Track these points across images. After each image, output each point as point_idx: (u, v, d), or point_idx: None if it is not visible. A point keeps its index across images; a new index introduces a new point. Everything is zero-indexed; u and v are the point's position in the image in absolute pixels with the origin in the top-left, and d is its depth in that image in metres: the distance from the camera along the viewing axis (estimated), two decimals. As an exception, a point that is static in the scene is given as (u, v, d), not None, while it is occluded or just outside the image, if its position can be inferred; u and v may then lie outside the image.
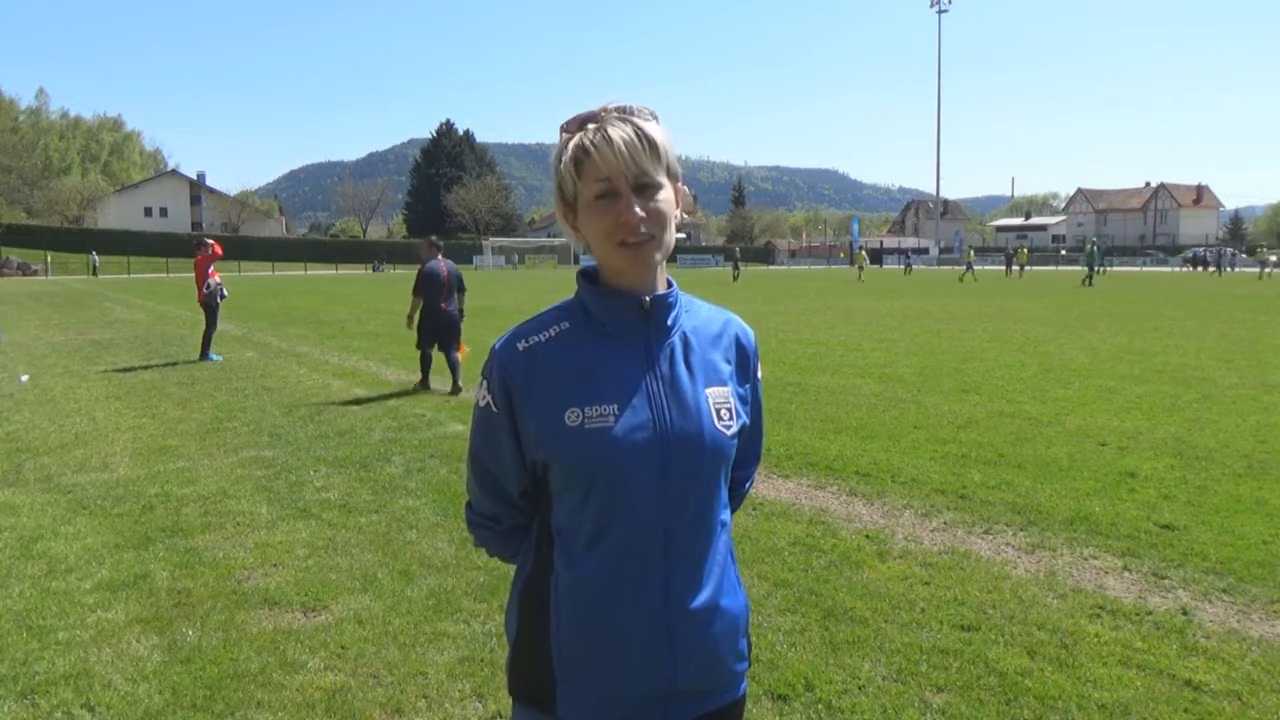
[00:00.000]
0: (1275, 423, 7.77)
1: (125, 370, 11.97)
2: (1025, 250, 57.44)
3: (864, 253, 53.55)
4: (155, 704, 3.18)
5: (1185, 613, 3.87)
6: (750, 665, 1.52)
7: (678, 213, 1.40)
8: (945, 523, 5.18)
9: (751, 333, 1.54)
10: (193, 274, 13.41)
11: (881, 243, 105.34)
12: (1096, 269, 40.43)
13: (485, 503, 1.50)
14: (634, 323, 1.39)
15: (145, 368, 12.20)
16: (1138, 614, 3.86)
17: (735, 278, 44.87)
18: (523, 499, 1.46)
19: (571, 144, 1.33)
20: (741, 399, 1.47)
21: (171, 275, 54.32)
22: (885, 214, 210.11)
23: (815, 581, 4.24)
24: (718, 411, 1.40)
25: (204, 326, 13.06)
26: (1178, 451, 6.74)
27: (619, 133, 1.30)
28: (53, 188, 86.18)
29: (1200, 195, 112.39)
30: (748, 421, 1.49)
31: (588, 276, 1.42)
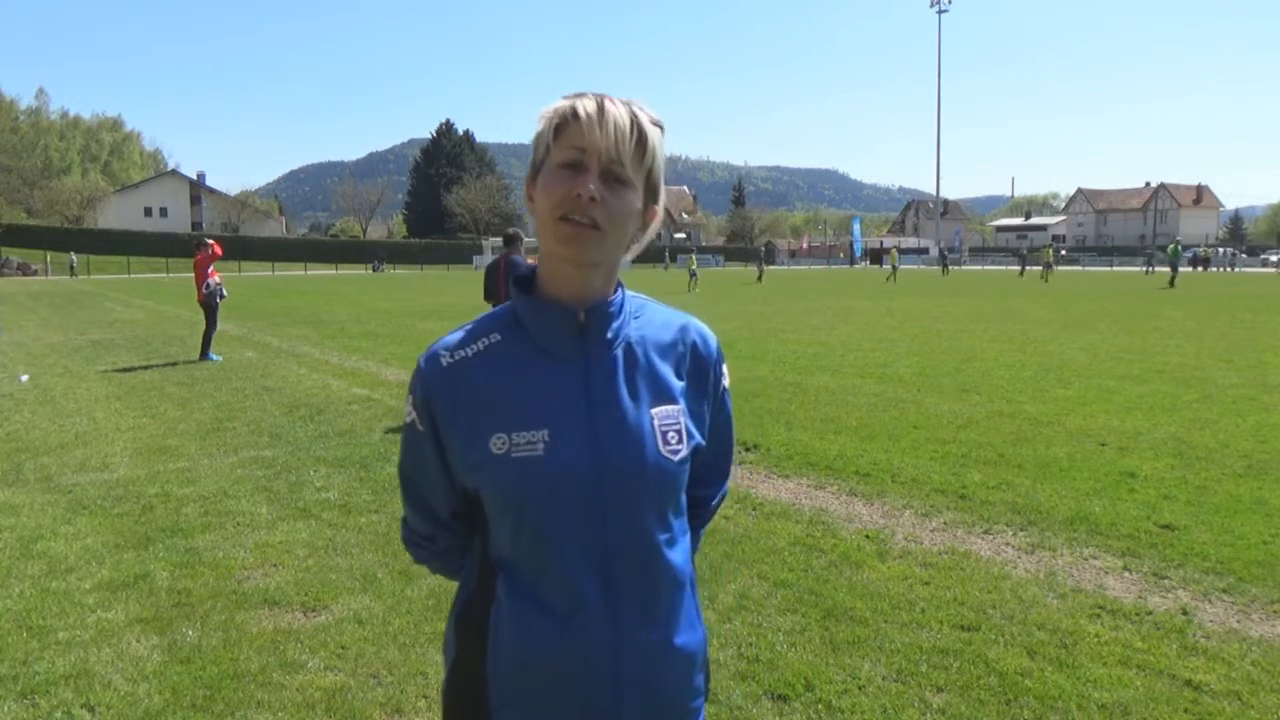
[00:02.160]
0: (1275, 423, 7.77)
1: (125, 370, 11.97)
2: (1050, 250, 52.66)
3: (896, 252, 50.79)
4: (155, 704, 3.18)
5: (1185, 613, 3.87)
6: (708, 699, 1.40)
7: (641, 235, 1.29)
8: (945, 523, 5.18)
9: (714, 339, 1.38)
10: (192, 274, 13.41)
11: (881, 243, 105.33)
12: (1180, 269, 36.52)
13: (419, 523, 1.38)
14: (570, 336, 1.25)
15: (145, 368, 12.20)
16: (1138, 614, 3.86)
17: (760, 277, 44.36)
18: (455, 520, 1.34)
19: (562, 107, 1.22)
20: (695, 416, 1.32)
21: (171, 275, 54.31)
22: (885, 214, 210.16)
23: (815, 581, 4.24)
24: (664, 434, 1.25)
25: (204, 326, 13.06)
26: (1178, 451, 6.74)
27: (615, 112, 1.20)
28: (53, 188, 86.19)
29: (1200, 195, 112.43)
30: (702, 441, 1.33)
31: (523, 283, 1.29)
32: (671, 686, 1.28)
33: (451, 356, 1.26)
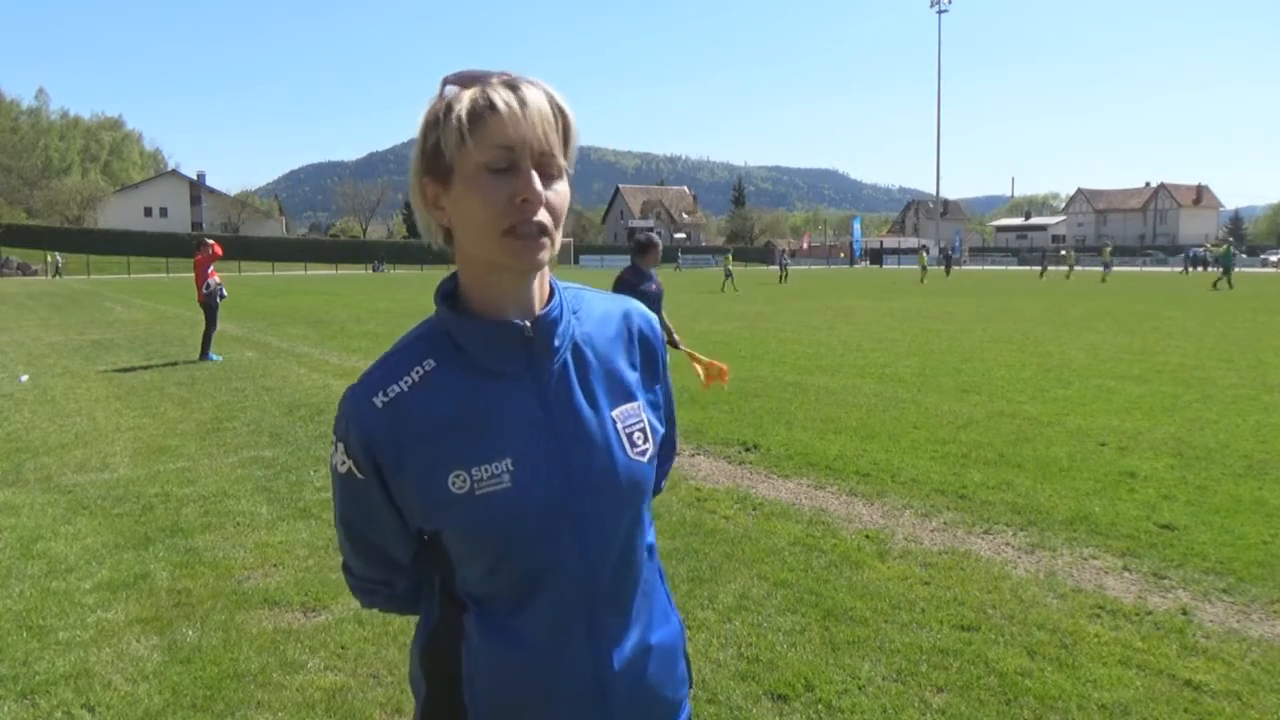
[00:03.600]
0: (1275, 423, 7.77)
1: (125, 370, 11.97)
2: (1073, 252, 51.56)
3: (925, 253, 48.32)
4: (155, 704, 3.18)
5: (1185, 613, 3.87)
6: (692, 686, 1.37)
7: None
8: (945, 523, 5.18)
9: (653, 319, 1.29)
10: (192, 274, 13.41)
11: (881, 243, 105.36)
12: (1230, 270, 34.58)
13: (371, 570, 1.26)
14: (515, 352, 1.13)
15: (145, 368, 12.20)
16: (1138, 614, 3.86)
17: (783, 278, 43.03)
18: (415, 561, 1.24)
19: (469, 96, 1.05)
20: (653, 406, 1.25)
21: (171, 275, 54.31)
22: (885, 214, 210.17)
23: (815, 581, 4.24)
24: (629, 437, 1.18)
25: (204, 326, 13.06)
26: (1178, 451, 6.74)
27: (536, 96, 1.06)
28: (53, 188, 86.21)
29: (1200, 195, 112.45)
30: (663, 430, 1.27)
31: (450, 300, 1.15)
32: (655, 683, 1.24)
33: (385, 395, 1.11)
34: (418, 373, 1.13)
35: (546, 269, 1.14)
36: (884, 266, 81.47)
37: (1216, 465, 6.32)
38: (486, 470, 1.10)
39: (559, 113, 1.08)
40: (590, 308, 1.22)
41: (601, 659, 1.17)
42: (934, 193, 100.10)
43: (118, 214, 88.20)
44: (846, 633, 3.68)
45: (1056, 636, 3.64)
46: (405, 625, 3.80)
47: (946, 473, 6.23)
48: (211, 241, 13.46)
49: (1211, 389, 9.56)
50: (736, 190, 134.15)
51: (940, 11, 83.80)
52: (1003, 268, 71.73)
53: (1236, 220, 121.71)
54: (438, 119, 1.06)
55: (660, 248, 6.93)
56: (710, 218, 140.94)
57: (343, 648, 3.60)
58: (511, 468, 1.11)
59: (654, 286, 6.66)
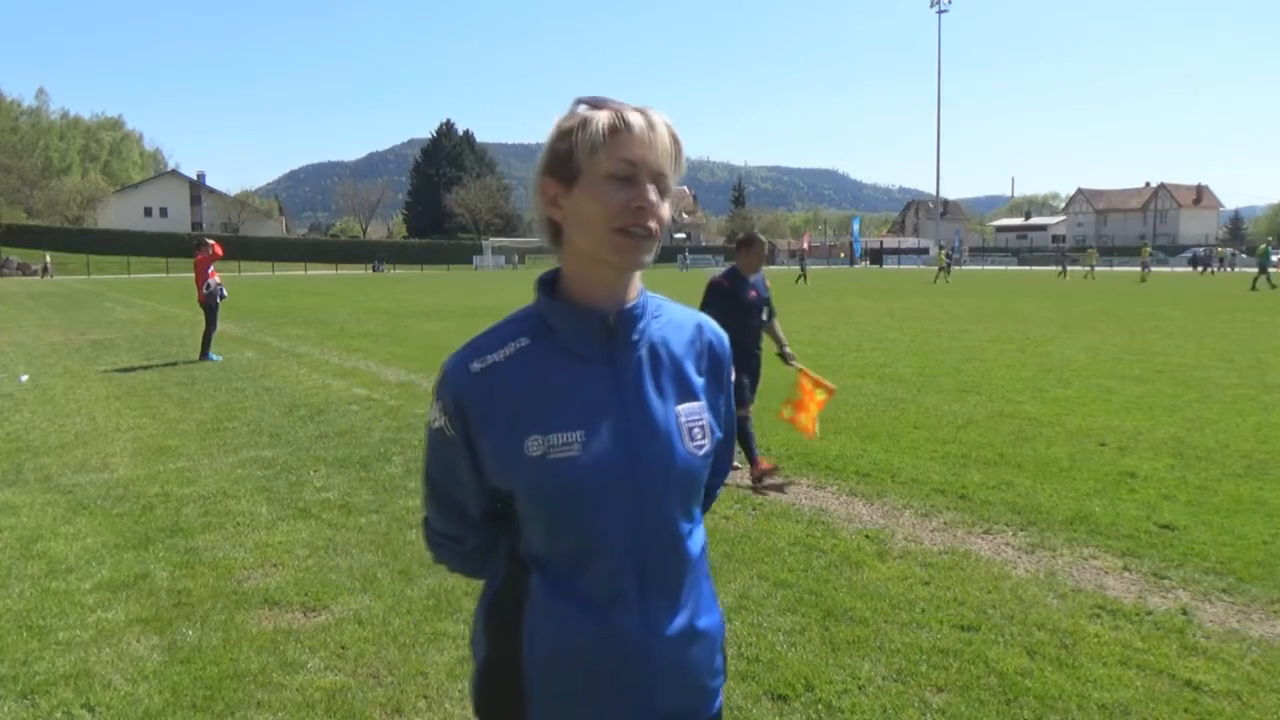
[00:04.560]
0: (1275, 423, 7.77)
1: (125, 370, 11.97)
2: (1094, 251, 50.46)
3: (944, 253, 46.75)
4: (155, 704, 3.18)
5: (1185, 613, 3.87)
6: (726, 679, 1.47)
7: None
8: (945, 523, 5.18)
9: (725, 337, 1.44)
10: (192, 274, 13.41)
11: (881, 243, 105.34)
12: (1270, 269, 33.59)
13: (446, 524, 1.41)
14: (599, 340, 1.28)
15: (145, 368, 12.20)
16: (1138, 614, 3.86)
17: (802, 279, 41.98)
18: (486, 520, 1.38)
19: (606, 115, 1.23)
20: (714, 411, 1.39)
21: (171, 275, 54.31)
22: (885, 214, 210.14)
23: (815, 581, 4.24)
24: (690, 431, 1.32)
25: (204, 326, 13.06)
26: (1178, 451, 6.74)
27: (661, 123, 1.24)
28: (53, 188, 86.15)
29: (1200, 195, 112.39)
30: (721, 435, 1.41)
31: (547, 286, 1.32)
32: (697, 667, 1.36)
33: (481, 363, 1.28)
34: (511, 347, 1.28)
35: (638, 276, 1.31)
36: (884, 266, 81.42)
37: (1216, 465, 6.32)
38: (560, 438, 1.24)
39: (675, 141, 1.26)
40: (670, 315, 1.37)
41: (650, 631, 1.29)
42: (934, 193, 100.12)
43: (118, 214, 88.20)
44: (846, 633, 3.68)
45: (1056, 636, 3.64)
46: (405, 625, 3.80)
47: (946, 473, 6.23)
48: (212, 241, 13.46)
49: (1211, 389, 9.56)
50: (736, 190, 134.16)
51: (940, 11, 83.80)
52: (1003, 268, 71.63)
53: (1236, 220, 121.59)
54: (572, 130, 1.23)
55: (764, 247, 6.04)
56: (710, 218, 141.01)
57: (343, 648, 3.60)
58: (582, 439, 1.25)
59: (752, 294, 5.88)
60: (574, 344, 1.28)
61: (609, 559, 1.27)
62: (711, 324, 1.43)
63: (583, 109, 1.25)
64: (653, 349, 1.33)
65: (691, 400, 1.34)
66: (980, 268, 74.63)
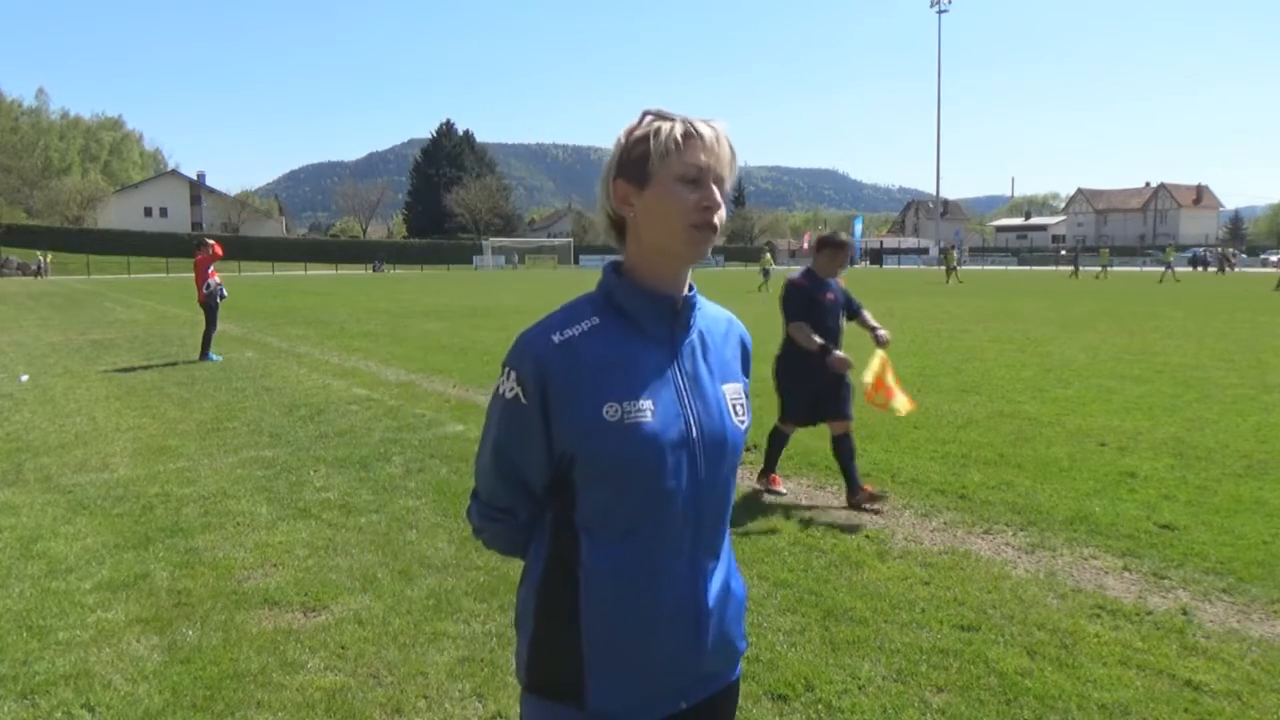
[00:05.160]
0: (1275, 423, 7.77)
1: (125, 370, 11.97)
2: (1108, 250, 50.01)
3: (954, 251, 45.24)
4: (155, 704, 3.18)
5: (1185, 613, 3.87)
6: (748, 645, 1.61)
7: None
8: (945, 523, 5.18)
9: (748, 333, 1.61)
10: (193, 274, 13.40)
11: (881, 243, 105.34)
12: None
13: (503, 496, 1.49)
14: (665, 321, 1.43)
15: (145, 368, 12.20)
16: (1138, 614, 3.86)
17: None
18: (543, 492, 1.46)
19: (678, 124, 1.38)
20: (747, 395, 1.54)
21: (171, 275, 54.30)
22: (885, 214, 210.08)
23: (815, 581, 4.24)
24: (734, 407, 1.47)
25: (204, 326, 13.06)
26: (1178, 451, 6.74)
27: (724, 134, 1.40)
28: (53, 188, 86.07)
29: (1200, 195, 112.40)
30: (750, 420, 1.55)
31: (619, 271, 1.46)
32: (730, 628, 1.49)
33: (561, 335, 1.39)
34: (586, 324, 1.41)
35: (690, 270, 1.46)
36: (884, 267, 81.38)
37: (1216, 465, 6.32)
38: (634, 405, 1.37)
39: (732, 150, 1.42)
40: (706, 309, 1.53)
41: (699, 590, 1.43)
42: (934, 193, 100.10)
43: (118, 214, 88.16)
44: (846, 633, 3.68)
45: (1056, 636, 3.64)
46: (405, 625, 3.80)
47: (946, 473, 6.23)
48: (212, 241, 13.45)
49: (1211, 389, 9.56)
50: (737, 190, 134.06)
51: (940, 11, 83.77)
52: (1003, 268, 71.61)
53: (1236, 220, 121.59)
54: (647, 136, 1.38)
55: (850, 250, 5.79)
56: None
57: (343, 648, 3.61)
58: (653, 408, 1.38)
59: (830, 296, 5.61)
60: (643, 323, 1.42)
61: (670, 518, 1.39)
62: (738, 321, 1.60)
63: (648, 119, 1.40)
64: (701, 335, 1.49)
65: (734, 382, 1.51)
66: (980, 268, 74.60)
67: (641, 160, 1.38)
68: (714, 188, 1.38)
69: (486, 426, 1.48)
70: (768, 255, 39.24)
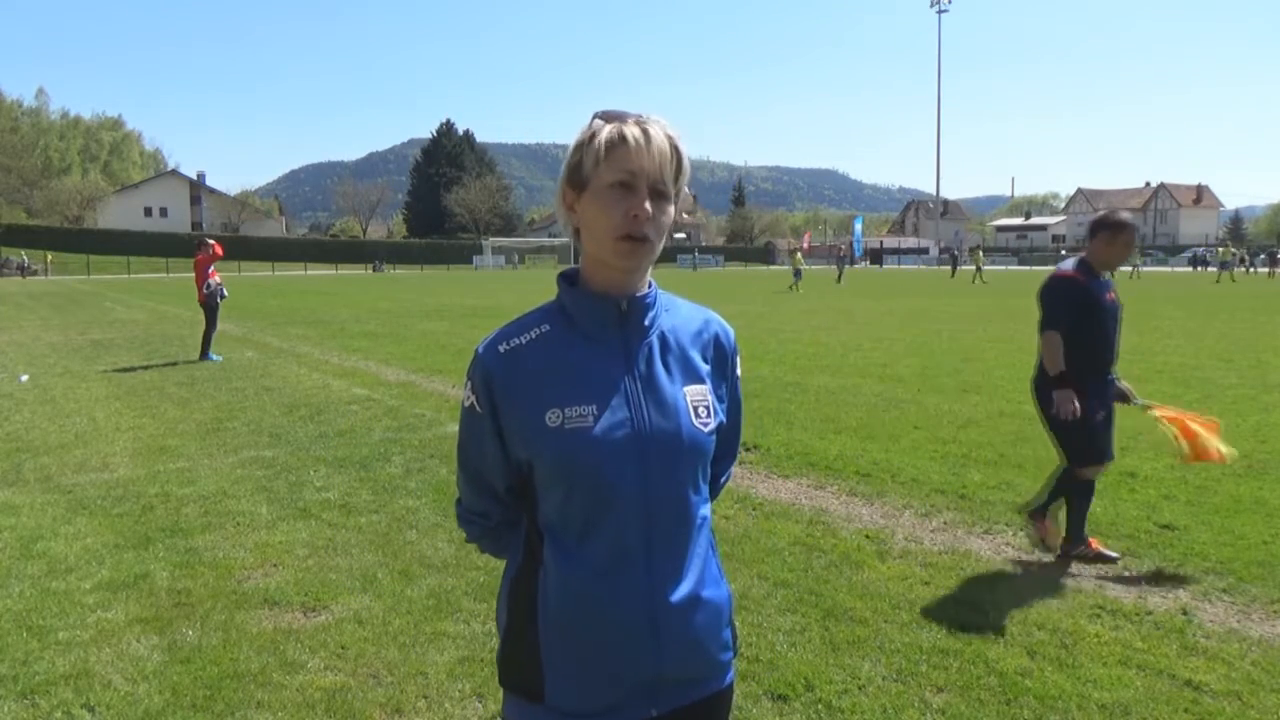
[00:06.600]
0: (1275, 423, 7.77)
1: (125, 370, 11.97)
2: (1139, 248, 50.69)
3: (980, 252, 44.14)
4: (155, 704, 3.18)
5: (1185, 613, 3.87)
6: (737, 655, 1.56)
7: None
8: (945, 523, 5.18)
9: (731, 332, 1.57)
10: (193, 274, 13.40)
11: (881, 243, 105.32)
12: None
13: (475, 499, 1.53)
14: (612, 324, 1.42)
15: (145, 368, 12.20)
16: (1138, 614, 3.86)
17: (840, 278, 41.37)
18: (509, 495, 1.49)
19: (609, 128, 1.35)
20: (717, 397, 1.50)
21: (171, 275, 54.29)
22: (885, 214, 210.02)
23: (815, 581, 4.24)
24: (695, 409, 1.44)
25: (204, 326, 13.06)
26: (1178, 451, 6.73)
27: (659, 136, 1.35)
28: (53, 188, 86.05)
29: (1200, 195, 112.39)
30: (724, 420, 1.53)
31: (568, 279, 1.46)
32: (703, 636, 1.45)
33: (508, 345, 1.42)
34: (534, 333, 1.43)
35: (649, 271, 1.44)
36: (883, 266, 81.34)
37: (1217, 465, 6.30)
38: (575, 411, 1.37)
39: (674, 150, 1.36)
40: (679, 310, 1.52)
41: (655, 594, 1.40)
42: (934, 193, 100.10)
43: (118, 214, 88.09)
44: (846, 633, 3.68)
45: (1056, 636, 3.64)
46: (405, 625, 3.80)
47: (946, 473, 6.23)
48: (212, 241, 13.45)
49: (1211, 389, 9.55)
50: (736, 190, 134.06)
51: (940, 11, 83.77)
52: (1003, 268, 71.52)
53: (1236, 220, 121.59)
54: (583, 143, 1.36)
55: (1133, 232, 4.46)
56: (710, 218, 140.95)
57: (343, 648, 3.61)
58: (596, 412, 1.37)
59: (1110, 296, 4.43)
60: (589, 328, 1.42)
61: (618, 522, 1.38)
62: (719, 320, 1.56)
63: (596, 123, 1.37)
64: (663, 337, 1.46)
65: (698, 383, 1.47)
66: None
67: (578, 167, 1.38)
68: (644, 195, 1.34)
69: (459, 434, 1.52)
70: (799, 255, 39.96)
